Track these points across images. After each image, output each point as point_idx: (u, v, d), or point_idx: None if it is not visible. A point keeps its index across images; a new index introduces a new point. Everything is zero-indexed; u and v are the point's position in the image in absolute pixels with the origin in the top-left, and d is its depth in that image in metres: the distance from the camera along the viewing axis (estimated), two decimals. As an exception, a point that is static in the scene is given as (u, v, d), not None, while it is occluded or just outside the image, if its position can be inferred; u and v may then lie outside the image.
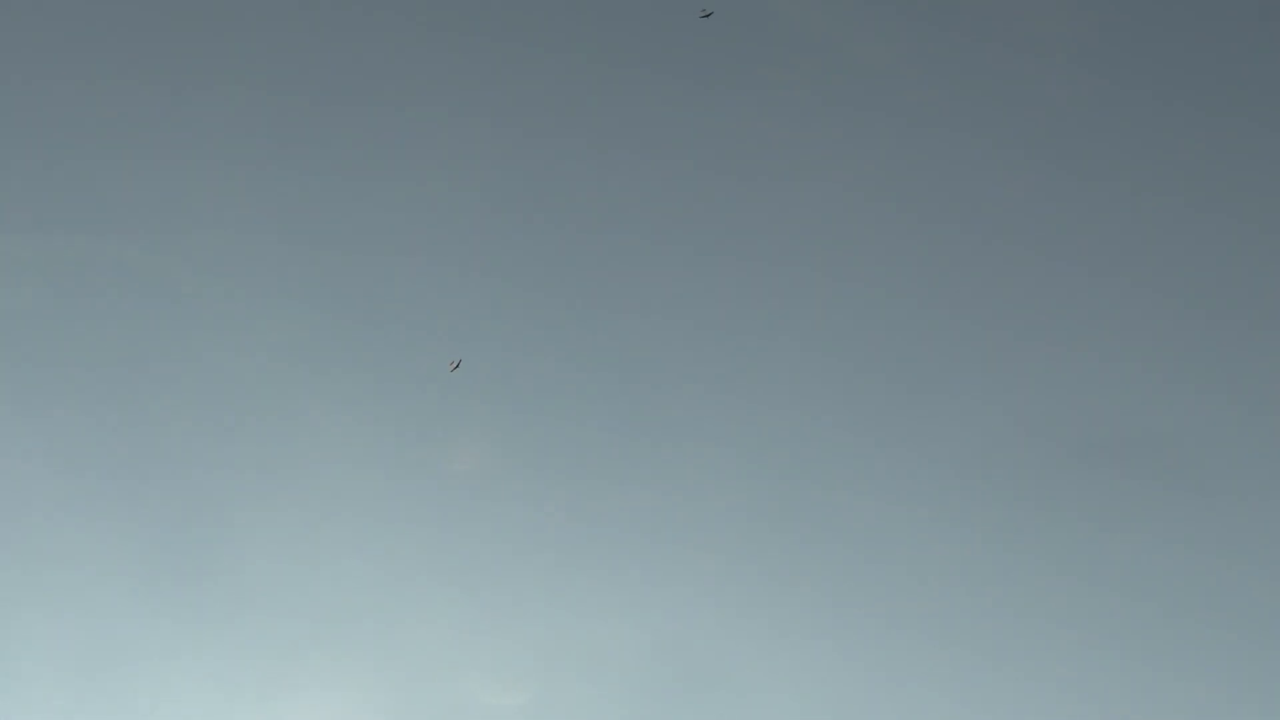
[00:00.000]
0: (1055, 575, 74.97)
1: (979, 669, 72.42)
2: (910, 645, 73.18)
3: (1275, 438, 77.24)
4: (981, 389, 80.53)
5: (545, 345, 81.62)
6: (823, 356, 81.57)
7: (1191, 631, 72.73)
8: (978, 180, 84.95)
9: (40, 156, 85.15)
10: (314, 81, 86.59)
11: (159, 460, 78.64)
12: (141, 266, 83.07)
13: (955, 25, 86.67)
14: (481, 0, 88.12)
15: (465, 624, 74.78)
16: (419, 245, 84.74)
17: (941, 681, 72.03)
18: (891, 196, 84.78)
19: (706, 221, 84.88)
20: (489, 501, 77.70)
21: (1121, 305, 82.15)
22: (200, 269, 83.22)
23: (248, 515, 76.97)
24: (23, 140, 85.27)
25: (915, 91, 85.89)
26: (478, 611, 74.90)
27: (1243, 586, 73.76)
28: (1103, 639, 73.20)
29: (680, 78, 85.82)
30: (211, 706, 71.91)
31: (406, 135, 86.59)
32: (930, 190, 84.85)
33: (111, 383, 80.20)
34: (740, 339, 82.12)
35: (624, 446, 78.90)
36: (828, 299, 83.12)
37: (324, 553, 76.16)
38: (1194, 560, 74.57)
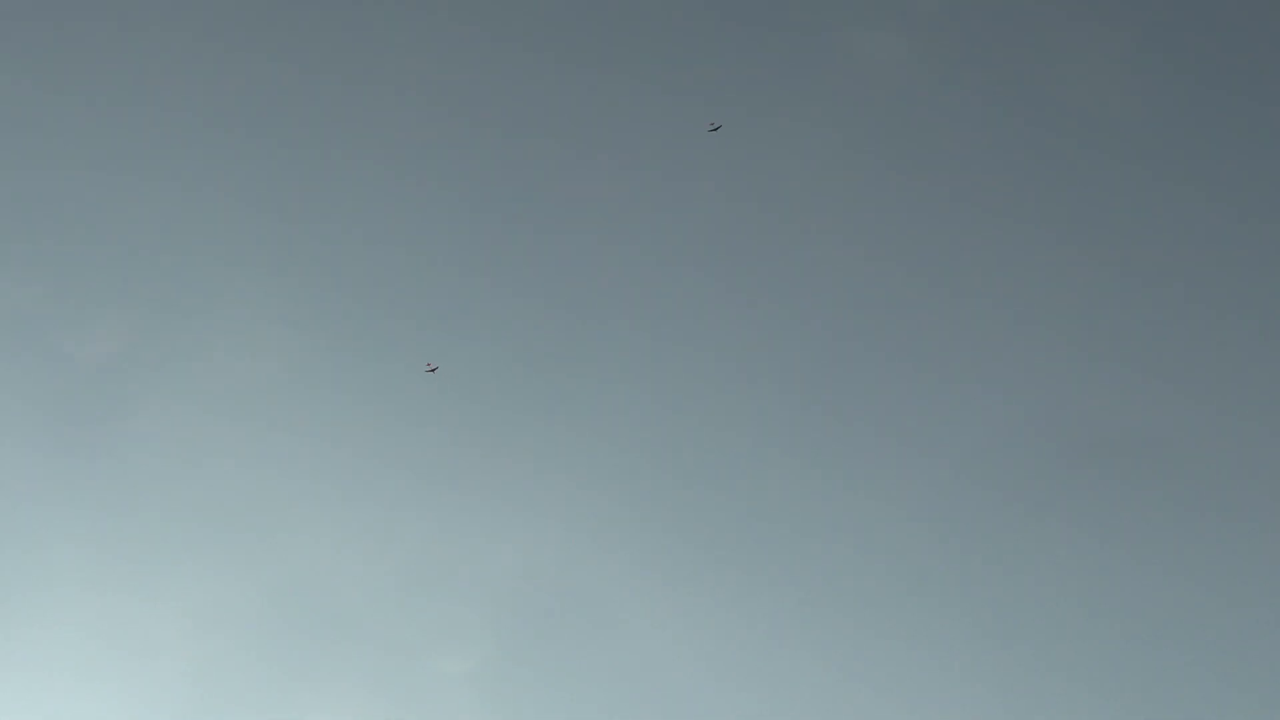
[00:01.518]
0: (1029, 570, 75.12)
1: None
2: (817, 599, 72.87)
3: (1270, 440, 77.31)
4: (972, 389, 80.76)
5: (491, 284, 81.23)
6: (815, 351, 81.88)
7: (1186, 633, 72.81)
8: (979, 181, 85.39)
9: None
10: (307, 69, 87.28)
11: (63, 327, 78.65)
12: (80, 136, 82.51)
13: (959, 29, 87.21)
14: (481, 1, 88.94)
15: (345, 535, 75.29)
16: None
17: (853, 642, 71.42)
18: (892, 195, 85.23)
19: (710, 215, 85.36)
20: (398, 417, 78.38)
21: (1118, 308, 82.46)
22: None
23: (148, 398, 76.91)
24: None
25: (922, 90, 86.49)
26: (359, 523, 74.94)
27: (1237, 587, 73.83)
28: (1079, 639, 73.36)
29: (671, 76, 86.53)
30: (79, 583, 72.32)
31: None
32: (931, 190, 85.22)
33: (29, 246, 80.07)
34: (738, 333, 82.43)
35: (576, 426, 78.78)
36: (825, 296, 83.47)
37: (218, 449, 76.04)
38: (1188, 561, 74.75)
